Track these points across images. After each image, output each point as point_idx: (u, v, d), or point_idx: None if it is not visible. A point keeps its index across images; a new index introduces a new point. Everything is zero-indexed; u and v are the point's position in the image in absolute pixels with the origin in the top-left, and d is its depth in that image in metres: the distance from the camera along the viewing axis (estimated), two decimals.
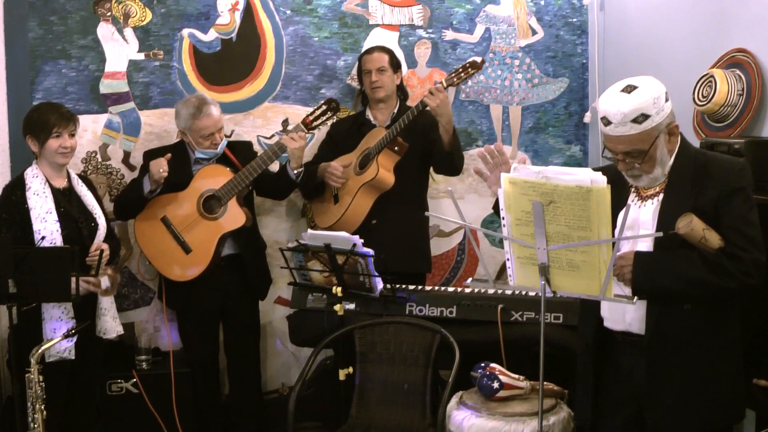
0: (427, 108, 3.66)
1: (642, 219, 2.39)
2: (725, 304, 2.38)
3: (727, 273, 2.25)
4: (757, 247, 2.28)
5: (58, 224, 3.24)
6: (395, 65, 4.00)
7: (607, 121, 2.28)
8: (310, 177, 3.90)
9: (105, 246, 3.35)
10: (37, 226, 3.22)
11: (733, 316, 2.42)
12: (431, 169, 4.06)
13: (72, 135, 3.34)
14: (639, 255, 2.32)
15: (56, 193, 3.32)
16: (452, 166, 3.87)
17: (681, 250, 2.29)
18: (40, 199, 3.26)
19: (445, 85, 3.69)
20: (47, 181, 3.32)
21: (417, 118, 3.73)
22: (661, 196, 2.38)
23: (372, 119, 4.01)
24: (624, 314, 2.42)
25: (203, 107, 3.70)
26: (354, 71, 4.26)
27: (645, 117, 2.25)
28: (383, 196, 3.85)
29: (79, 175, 3.52)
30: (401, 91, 4.08)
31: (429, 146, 3.88)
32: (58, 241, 3.22)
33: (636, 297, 2.31)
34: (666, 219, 2.32)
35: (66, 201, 3.33)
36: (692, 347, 2.35)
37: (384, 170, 3.79)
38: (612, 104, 2.27)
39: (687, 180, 2.34)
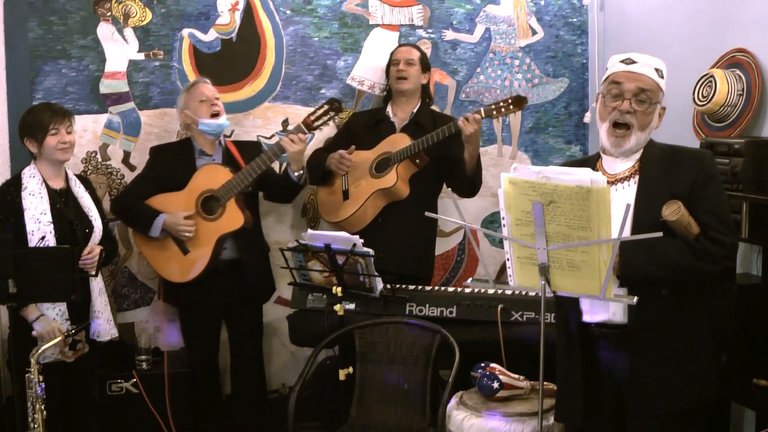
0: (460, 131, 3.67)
1: (614, 205, 2.40)
2: (695, 286, 2.43)
3: (711, 258, 2.31)
4: (733, 232, 2.39)
5: (51, 225, 3.23)
6: (424, 64, 4.02)
7: (630, 61, 2.41)
8: (319, 165, 3.91)
9: (99, 248, 3.34)
10: (30, 226, 3.21)
11: (701, 296, 2.46)
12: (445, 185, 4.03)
13: (69, 131, 3.34)
14: (625, 244, 2.32)
15: (53, 193, 3.31)
16: (472, 190, 3.88)
17: (665, 237, 2.30)
18: (35, 200, 3.26)
19: (483, 114, 3.68)
20: (44, 181, 3.31)
21: (442, 132, 3.71)
22: (631, 183, 2.42)
23: (391, 115, 4.00)
24: (607, 304, 2.43)
25: (198, 81, 3.82)
26: (354, 72, 4.28)
27: (662, 75, 2.42)
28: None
29: (79, 176, 3.51)
30: (426, 93, 4.07)
31: (444, 161, 3.88)
32: (51, 242, 3.21)
33: (628, 292, 2.33)
34: (646, 205, 2.36)
35: (62, 202, 3.33)
36: (670, 330, 2.38)
37: (401, 181, 3.80)
38: (638, 54, 2.43)
39: (659, 167, 2.41)
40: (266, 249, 3.99)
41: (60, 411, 3.33)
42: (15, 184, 3.31)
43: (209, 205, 3.70)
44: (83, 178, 3.54)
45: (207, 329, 3.84)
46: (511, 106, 3.70)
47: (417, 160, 3.80)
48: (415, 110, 3.97)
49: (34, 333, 3.17)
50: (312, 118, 3.77)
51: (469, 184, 3.82)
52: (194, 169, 3.74)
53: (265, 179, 3.79)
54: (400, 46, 4.11)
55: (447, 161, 3.86)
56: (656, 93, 2.41)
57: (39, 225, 3.22)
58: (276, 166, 3.98)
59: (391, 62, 4.01)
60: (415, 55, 3.98)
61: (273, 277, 3.98)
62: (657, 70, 2.41)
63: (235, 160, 3.78)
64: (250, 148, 3.89)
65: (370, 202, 3.84)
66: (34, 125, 3.30)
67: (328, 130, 4.25)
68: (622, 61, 2.43)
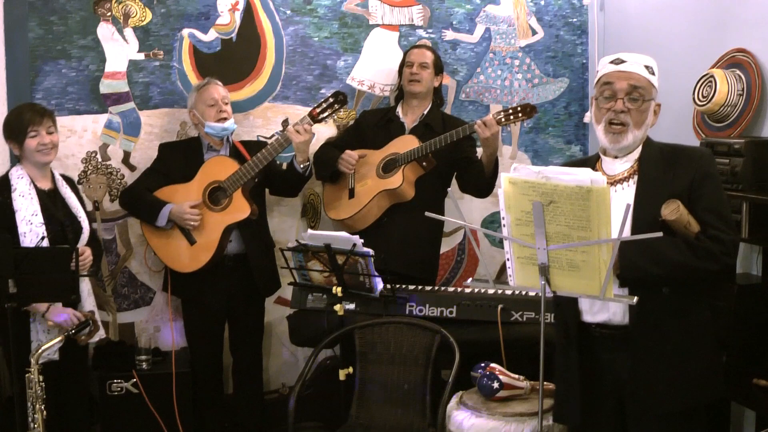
0: (474, 134, 3.70)
1: (614, 206, 2.40)
2: (696, 284, 2.43)
3: (711, 256, 2.31)
4: (733, 229, 2.39)
5: (44, 227, 3.22)
6: (437, 67, 4.02)
7: (620, 61, 2.42)
8: (329, 163, 3.91)
9: (88, 249, 3.33)
10: (22, 228, 3.19)
11: (703, 294, 2.47)
12: (457, 186, 4.03)
13: (50, 132, 3.30)
14: (624, 245, 2.32)
15: (41, 194, 3.29)
16: (488, 190, 3.89)
17: (665, 236, 2.30)
18: (25, 201, 3.23)
19: (494, 120, 3.68)
20: (32, 182, 3.29)
21: (450, 137, 3.72)
22: (630, 183, 2.43)
23: (401, 116, 4.00)
24: (607, 304, 2.43)
25: (208, 81, 3.84)
26: (354, 72, 4.27)
27: (652, 72, 2.43)
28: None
29: (63, 176, 3.47)
30: (437, 96, 4.07)
31: (455, 163, 3.89)
32: (45, 243, 3.20)
33: (626, 288, 2.34)
34: (645, 205, 2.37)
35: (51, 203, 3.31)
36: (672, 329, 2.38)
37: (407, 183, 3.81)
38: (627, 54, 2.44)
39: (658, 167, 2.42)
40: (272, 244, 3.99)
41: (56, 411, 3.32)
42: (4, 185, 3.26)
43: (216, 195, 3.72)
44: (67, 178, 3.50)
45: (211, 328, 3.84)
46: (521, 115, 3.68)
47: (424, 163, 3.80)
48: (425, 112, 3.97)
49: (50, 323, 3.18)
50: (318, 110, 3.78)
51: (486, 185, 3.83)
52: (202, 163, 3.76)
53: (269, 173, 3.82)
54: (414, 47, 4.08)
55: (459, 163, 3.88)
56: (649, 90, 2.42)
57: (31, 226, 3.20)
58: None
59: (405, 63, 4.00)
60: (429, 58, 3.98)
61: (277, 272, 3.97)
62: (647, 67, 2.42)
63: (242, 156, 3.79)
64: (257, 148, 3.88)
65: (374, 201, 3.84)
66: (15, 127, 3.26)
67: (330, 131, 4.26)
68: (612, 62, 2.44)
